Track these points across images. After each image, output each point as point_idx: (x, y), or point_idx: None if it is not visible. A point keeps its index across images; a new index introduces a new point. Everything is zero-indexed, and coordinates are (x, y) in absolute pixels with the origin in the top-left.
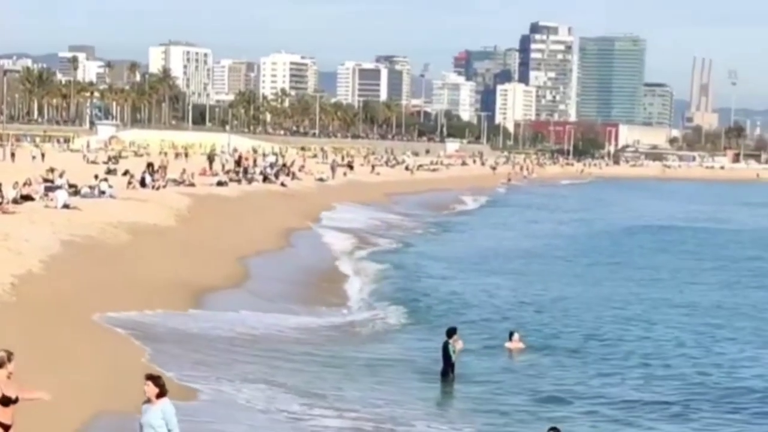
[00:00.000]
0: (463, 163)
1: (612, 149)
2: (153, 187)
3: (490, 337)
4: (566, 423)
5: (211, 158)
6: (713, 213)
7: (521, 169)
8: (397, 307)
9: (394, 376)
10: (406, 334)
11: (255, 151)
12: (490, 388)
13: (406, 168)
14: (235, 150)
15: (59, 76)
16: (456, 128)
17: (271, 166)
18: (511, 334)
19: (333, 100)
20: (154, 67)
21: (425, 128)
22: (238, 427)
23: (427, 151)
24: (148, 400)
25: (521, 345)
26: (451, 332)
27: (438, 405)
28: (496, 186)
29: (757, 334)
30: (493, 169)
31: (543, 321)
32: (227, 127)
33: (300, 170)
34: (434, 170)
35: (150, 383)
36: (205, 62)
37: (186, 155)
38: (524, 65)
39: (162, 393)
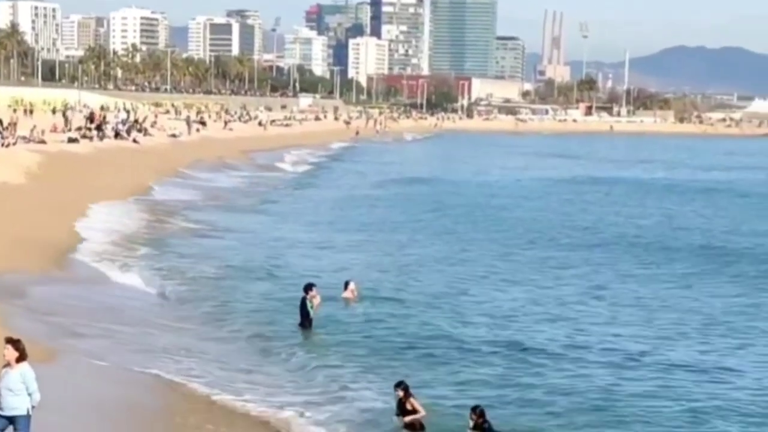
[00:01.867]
0: (317, 118)
1: (465, 103)
2: (2, 144)
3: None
4: (405, 367)
5: (65, 114)
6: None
7: (374, 123)
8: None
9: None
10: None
11: (102, 108)
12: (339, 337)
13: (260, 123)
14: (86, 106)
15: None
16: (309, 83)
17: (123, 122)
18: (346, 284)
19: (184, 56)
20: (2, 22)
21: (278, 83)
22: (97, 387)
23: (283, 107)
24: (8, 364)
25: (355, 294)
26: (307, 288)
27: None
28: (340, 141)
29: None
30: (347, 123)
31: (381, 277)
32: (77, 84)
33: (152, 126)
34: (287, 125)
35: (9, 347)
36: (54, 17)
37: (31, 112)
38: (376, 19)
39: (22, 357)
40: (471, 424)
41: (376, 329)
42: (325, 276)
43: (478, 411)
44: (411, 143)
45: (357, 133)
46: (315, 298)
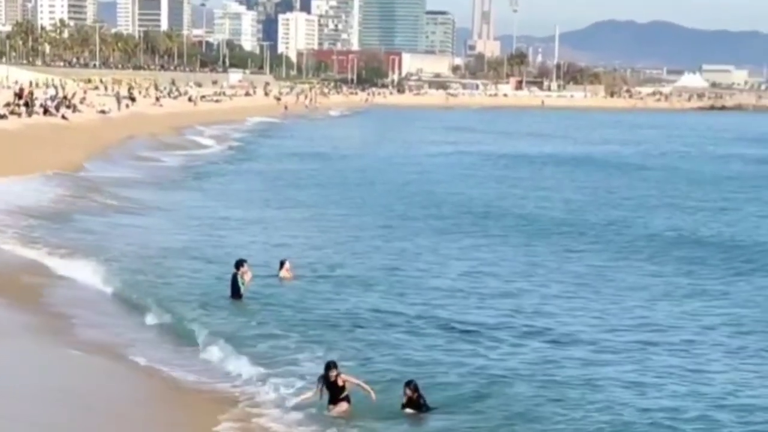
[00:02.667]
0: (247, 94)
1: (396, 78)
2: None
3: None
4: (336, 345)
5: None
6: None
7: (305, 98)
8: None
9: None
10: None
11: (31, 84)
12: (269, 313)
13: (189, 99)
14: (16, 82)
15: None
16: (239, 58)
17: (52, 98)
18: (282, 263)
19: (113, 31)
20: None
21: (207, 59)
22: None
23: (214, 82)
24: None
25: (291, 273)
26: (238, 264)
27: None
28: (269, 117)
29: None
30: (278, 99)
31: (316, 254)
32: (5, 59)
33: (81, 103)
34: (217, 101)
35: None
36: None
37: None
38: None
39: None
40: (404, 399)
41: (308, 306)
42: (259, 254)
43: (412, 386)
44: (339, 119)
45: (285, 108)
46: (246, 274)
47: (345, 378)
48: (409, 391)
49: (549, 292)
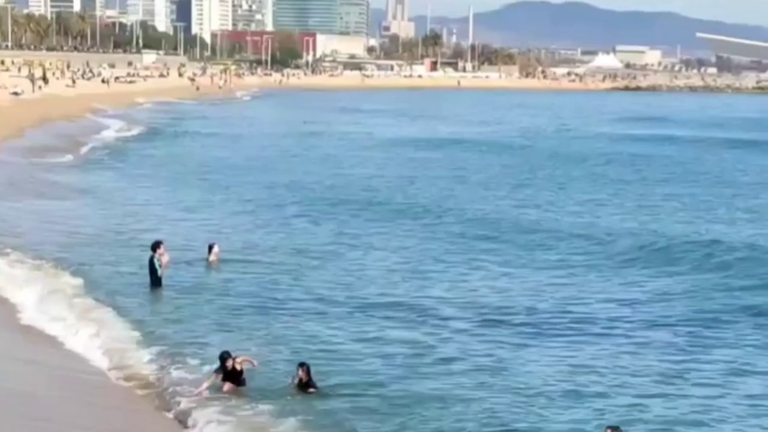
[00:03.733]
0: (161, 75)
1: (310, 59)
2: None
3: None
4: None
5: None
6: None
7: (220, 79)
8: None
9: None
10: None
11: None
12: (193, 299)
13: (103, 81)
14: None
15: None
16: (152, 39)
17: None
18: (210, 247)
19: (25, 11)
20: None
21: (121, 40)
22: None
23: (130, 63)
24: None
25: (218, 257)
26: (155, 246)
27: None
28: (181, 99)
29: None
30: (192, 80)
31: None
32: None
33: None
34: (131, 82)
35: None
36: None
37: None
38: None
39: None
40: (296, 381)
41: (230, 290)
42: (182, 236)
43: (305, 368)
44: (250, 101)
45: (197, 89)
46: (163, 256)
47: (240, 361)
48: (301, 373)
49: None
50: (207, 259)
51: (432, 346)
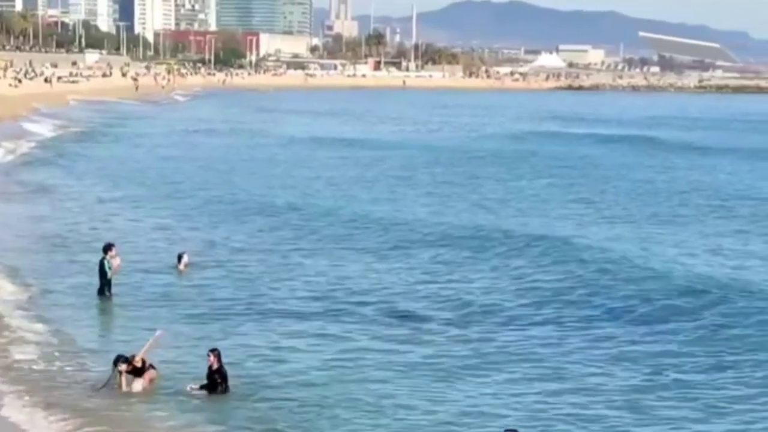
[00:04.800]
0: (104, 75)
1: (254, 59)
2: None
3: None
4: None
5: None
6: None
7: (163, 79)
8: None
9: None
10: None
11: None
12: (149, 310)
13: (46, 80)
14: None
15: None
16: (95, 39)
17: None
18: (179, 257)
19: None
20: None
21: (64, 39)
22: None
23: (74, 63)
24: None
25: (187, 267)
26: (106, 248)
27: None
28: (121, 99)
29: None
30: (134, 80)
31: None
32: None
33: None
34: (74, 82)
35: None
36: None
37: None
38: None
39: None
40: (208, 366)
41: (178, 297)
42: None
43: (216, 352)
44: (190, 101)
45: (136, 89)
46: (114, 259)
47: (141, 356)
48: (212, 358)
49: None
50: (177, 268)
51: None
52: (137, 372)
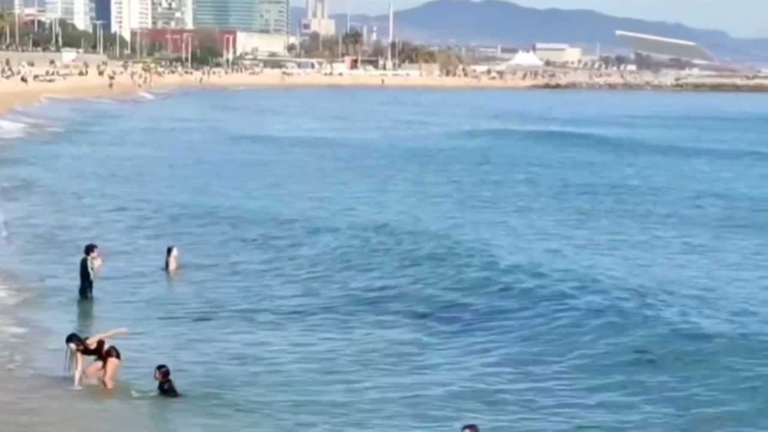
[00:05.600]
0: (81, 73)
1: (231, 57)
2: None
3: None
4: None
5: None
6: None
7: (140, 78)
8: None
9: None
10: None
11: None
12: (128, 310)
13: (22, 79)
14: None
15: None
16: (72, 37)
17: None
18: (169, 250)
19: None
20: None
21: (40, 38)
22: None
23: (52, 62)
24: None
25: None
26: (89, 249)
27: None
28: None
29: None
30: (111, 78)
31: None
32: None
33: None
34: (51, 81)
35: None
36: None
37: None
38: None
39: None
40: (156, 383)
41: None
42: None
43: (162, 370)
44: (161, 101)
45: (111, 86)
46: (96, 260)
47: (96, 339)
48: (159, 376)
49: None
50: (166, 263)
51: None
52: (93, 355)
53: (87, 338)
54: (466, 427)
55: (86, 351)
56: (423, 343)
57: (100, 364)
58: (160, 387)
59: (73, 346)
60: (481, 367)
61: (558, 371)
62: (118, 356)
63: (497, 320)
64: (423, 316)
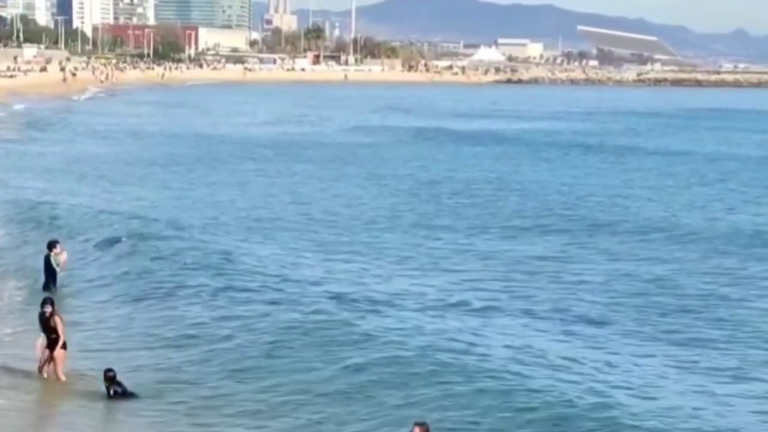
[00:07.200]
0: (42, 69)
1: (192, 53)
2: None
3: None
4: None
5: None
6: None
7: (101, 74)
8: None
9: None
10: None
11: None
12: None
13: None
14: None
15: None
16: (33, 33)
17: None
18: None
19: None
20: None
21: (1, 34)
22: None
23: (15, 58)
24: None
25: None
26: (51, 245)
27: None
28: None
29: None
30: (73, 74)
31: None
32: None
33: None
34: (12, 77)
35: None
36: None
37: None
38: None
39: None
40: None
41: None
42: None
43: (109, 374)
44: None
45: (64, 80)
46: (60, 255)
47: (57, 321)
48: (107, 381)
49: None
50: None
51: None
52: (49, 332)
53: (54, 313)
54: (416, 424)
55: (48, 324)
56: None
57: (47, 353)
58: (107, 390)
59: (49, 309)
60: None
61: None
62: (64, 347)
63: None
64: None
